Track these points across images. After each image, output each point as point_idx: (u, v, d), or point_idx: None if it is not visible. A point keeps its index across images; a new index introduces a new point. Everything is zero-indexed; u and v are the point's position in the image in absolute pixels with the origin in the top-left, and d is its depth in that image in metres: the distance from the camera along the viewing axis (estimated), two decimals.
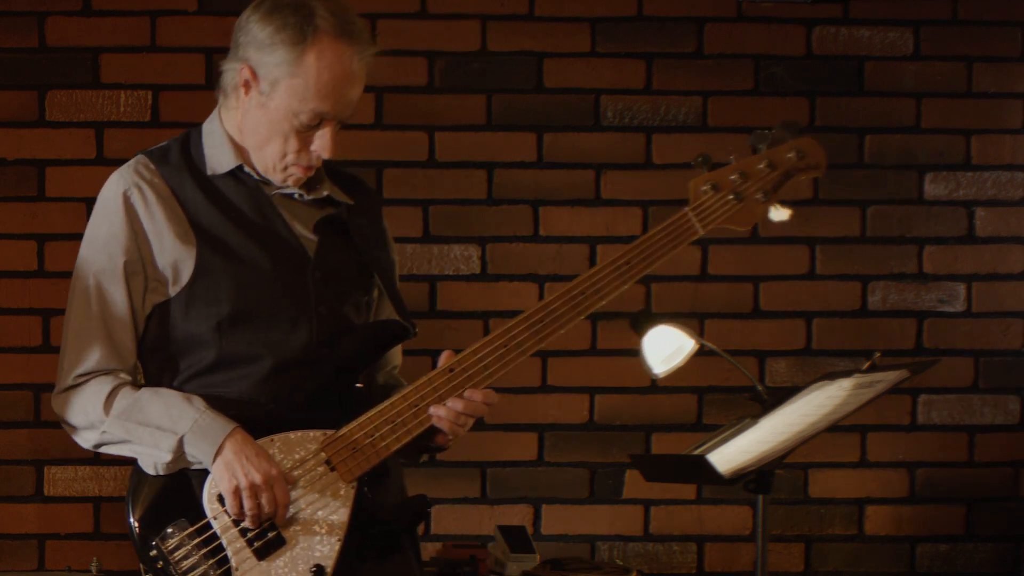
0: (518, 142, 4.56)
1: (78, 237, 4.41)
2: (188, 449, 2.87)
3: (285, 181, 2.98)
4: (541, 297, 4.53)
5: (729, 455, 3.15)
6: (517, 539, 4.19)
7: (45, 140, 4.45)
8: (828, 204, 4.59)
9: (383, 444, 2.89)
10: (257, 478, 2.83)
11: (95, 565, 4.00)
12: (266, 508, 2.84)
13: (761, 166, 2.95)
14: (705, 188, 2.95)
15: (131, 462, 4.47)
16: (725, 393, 4.56)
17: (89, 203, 4.41)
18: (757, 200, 2.95)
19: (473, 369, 2.90)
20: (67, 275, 4.41)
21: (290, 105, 2.90)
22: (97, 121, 4.47)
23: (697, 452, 3.17)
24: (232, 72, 2.96)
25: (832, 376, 3.19)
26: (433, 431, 2.95)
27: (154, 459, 2.90)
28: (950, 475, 4.63)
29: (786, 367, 4.60)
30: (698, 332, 4.19)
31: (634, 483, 4.55)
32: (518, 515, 4.55)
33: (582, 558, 4.43)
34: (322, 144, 2.93)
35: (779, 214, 2.97)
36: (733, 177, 2.95)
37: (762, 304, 4.60)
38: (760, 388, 3.87)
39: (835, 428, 3.29)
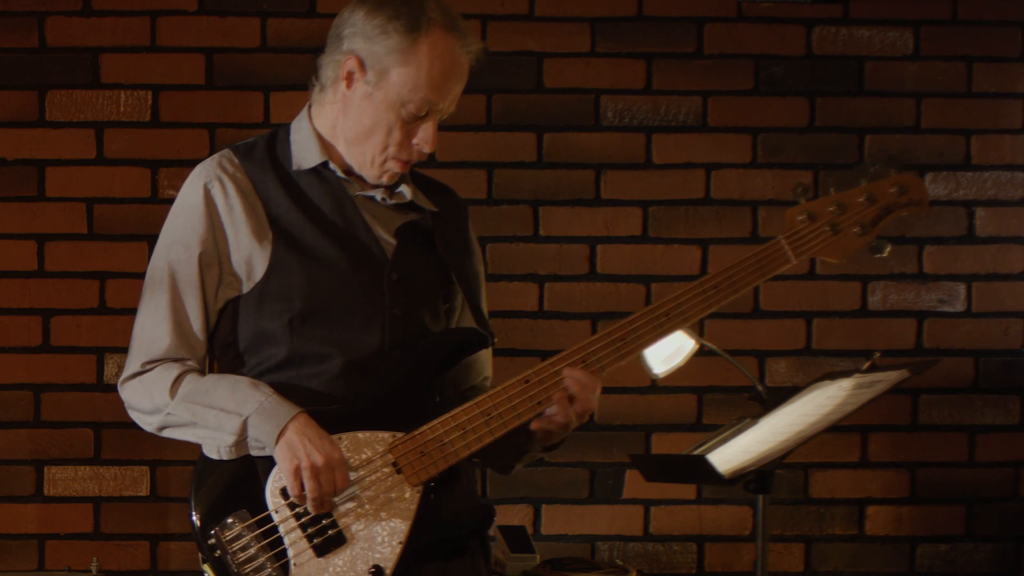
0: (518, 142, 4.56)
1: (78, 237, 4.46)
2: (252, 432, 2.86)
3: (380, 178, 2.97)
4: (541, 297, 4.54)
5: (729, 455, 3.16)
6: (517, 539, 4.19)
7: (45, 140, 4.46)
8: None
9: (452, 450, 2.88)
10: (319, 459, 2.82)
11: (95, 565, 4.01)
12: (326, 491, 2.83)
13: (860, 199, 2.93)
14: (801, 217, 2.92)
15: (133, 462, 4.48)
16: (725, 393, 4.56)
17: (89, 203, 4.47)
18: (855, 233, 2.93)
19: (550, 381, 2.89)
20: (67, 275, 4.45)
21: (400, 93, 2.90)
22: (97, 121, 4.47)
23: (697, 452, 3.18)
24: (334, 65, 2.95)
25: (832, 376, 3.19)
26: (528, 432, 2.93)
27: (217, 442, 2.89)
28: (950, 475, 4.63)
29: (786, 367, 4.60)
30: (698, 332, 4.19)
31: (634, 483, 4.55)
32: (518, 515, 4.55)
33: (582, 558, 4.43)
34: (425, 137, 2.94)
35: (875, 248, 2.95)
36: (831, 208, 2.92)
37: (762, 304, 4.60)
38: (760, 388, 3.87)
39: (835, 428, 3.29)
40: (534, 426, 2.92)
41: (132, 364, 2.99)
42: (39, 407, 4.45)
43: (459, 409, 2.89)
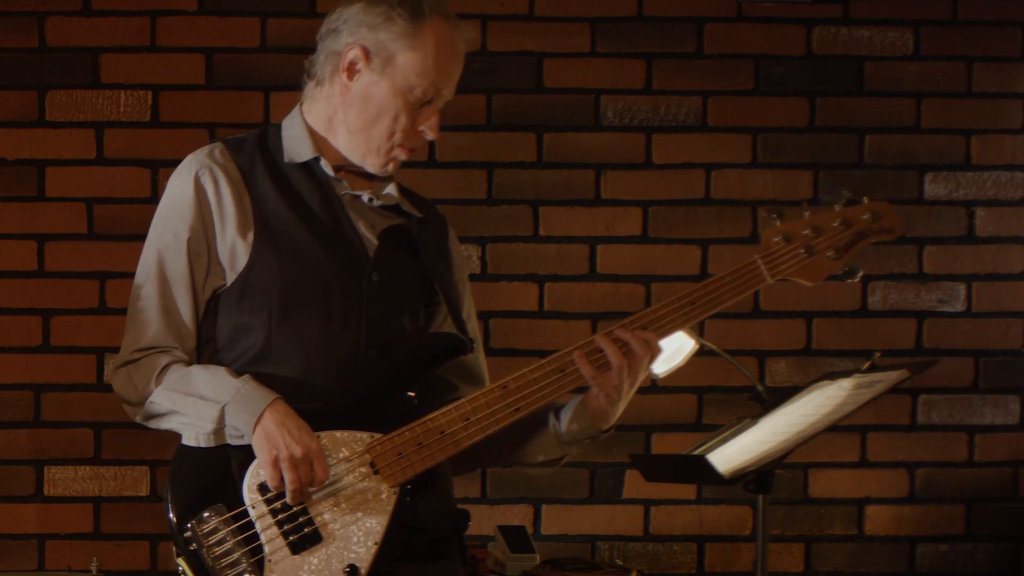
0: (518, 142, 4.56)
1: (78, 237, 4.46)
2: (229, 420, 2.86)
3: (386, 166, 2.99)
4: (541, 297, 4.54)
5: (729, 455, 3.15)
6: (517, 539, 4.19)
7: (45, 140, 4.46)
8: None
9: (429, 452, 2.88)
10: (297, 451, 2.82)
11: (95, 565, 4.00)
12: (306, 482, 2.83)
13: (835, 224, 2.95)
14: (777, 239, 2.95)
15: (133, 462, 4.48)
16: (725, 393, 4.56)
17: (89, 203, 4.47)
18: (828, 257, 2.95)
19: (527, 390, 2.90)
20: (67, 275, 4.46)
21: (407, 78, 2.94)
22: (97, 121, 4.47)
23: (697, 452, 3.17)
24: (333, 58, 2.98)
25: (832, 376, 3.19)
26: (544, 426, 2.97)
27: (196, 430, 2.90)
28: (950, 475, 4.63)
29: (786, 367, 4.60)
30: (698, 332, 4.19)
31: (634, 483, 4.55)
32: (518, 515, 4.55)
33: (582, 558, 4.44)
34: (431, 123, 2.98)
35: (849, 273, 2.98)
36: (806, 232, 2.95)
37: (762, 304, 4.60)
38: (760, 388, 3.87)
39: (835, 428, 3.29)
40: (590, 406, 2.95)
41: (123, 353, 2.99)
42: (39, 407, 4.45)
43: (438, 412, 2.89)
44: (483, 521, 4.52)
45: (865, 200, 2.97)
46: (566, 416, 3.00)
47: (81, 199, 4.46)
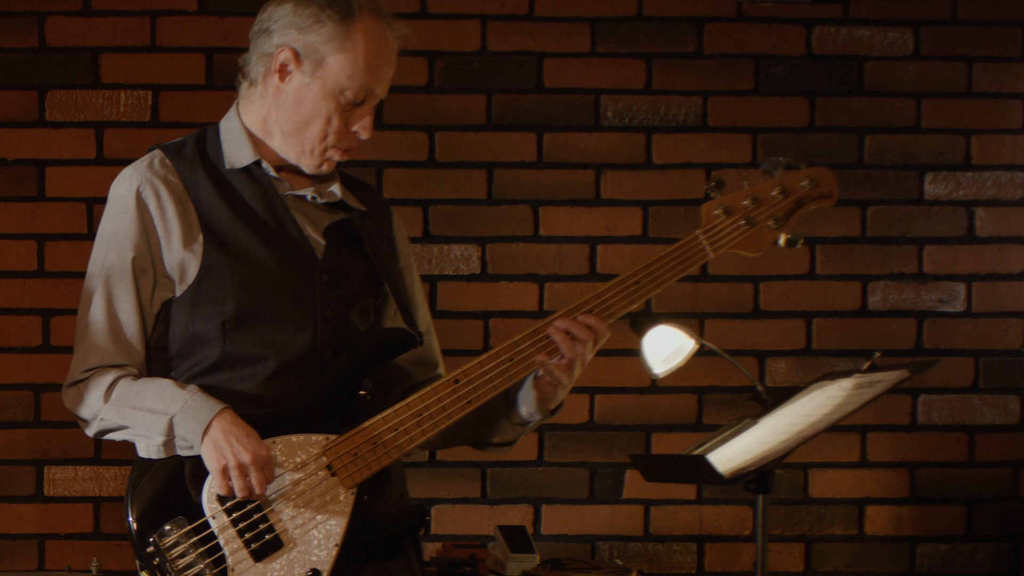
0: (518, 142, 4.56)
1: (78, 237, 4.46)
2: (178, 431, 2.87)
3: (320, 167, 2.99)
4: (541, 297, 4.54)
5: (729, 455, 3.15)
6: (517, 539, 4.19)
7: (45, 140, 4.46)
8: None
9: (385, 451, 2.89)
10: (245, 457, 2.82)
11: (95, 565, 4.01)
12: (256, 489, 2.84)
13: (774, 192, 2.95)
14: (717, 212, 2.94)
15: (133, 462, 4.48)
16: (725, 393, 4.56)
17: (89, 203, 4.47)
18: (769, 227, 2.95)
19: (478, 382, 2.91)
20: (67, 275, 4.45)
21: (338, 81, 2.92)
22: (97, 121, 4.47)
23: (697, 452, 3.17)
24: (264, 59, 2.97)
25: (832, 376, 3.19)
26: (507, 410, 2.98)
27: (147, 443, 2.92)
28: (950, 475, 4.63)
29: (786, 367, 4.60)
30: (698, 332, 4.20)
31: (634, 483, 4.55)
32: (518, 515, 4.55)
33: (582, 558, 4.44)
34: (363, 123, 2.96)
35: (791, 241, 2.97)
36: (745, 203, 2.94)
37: (762, 304, 4.60)
38: (760, 388, 3.87)
39: (835, 428, 3.29)
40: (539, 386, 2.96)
41: (73, 372, 3.00)
42: (39, 407, 4.45)
43: (391, 410, 2.90)
44: (483, 521, 4.53)
45: (803, 166, 2.97)
46: (520, 400, 3.01)
47: (81, 199, 4.46)
